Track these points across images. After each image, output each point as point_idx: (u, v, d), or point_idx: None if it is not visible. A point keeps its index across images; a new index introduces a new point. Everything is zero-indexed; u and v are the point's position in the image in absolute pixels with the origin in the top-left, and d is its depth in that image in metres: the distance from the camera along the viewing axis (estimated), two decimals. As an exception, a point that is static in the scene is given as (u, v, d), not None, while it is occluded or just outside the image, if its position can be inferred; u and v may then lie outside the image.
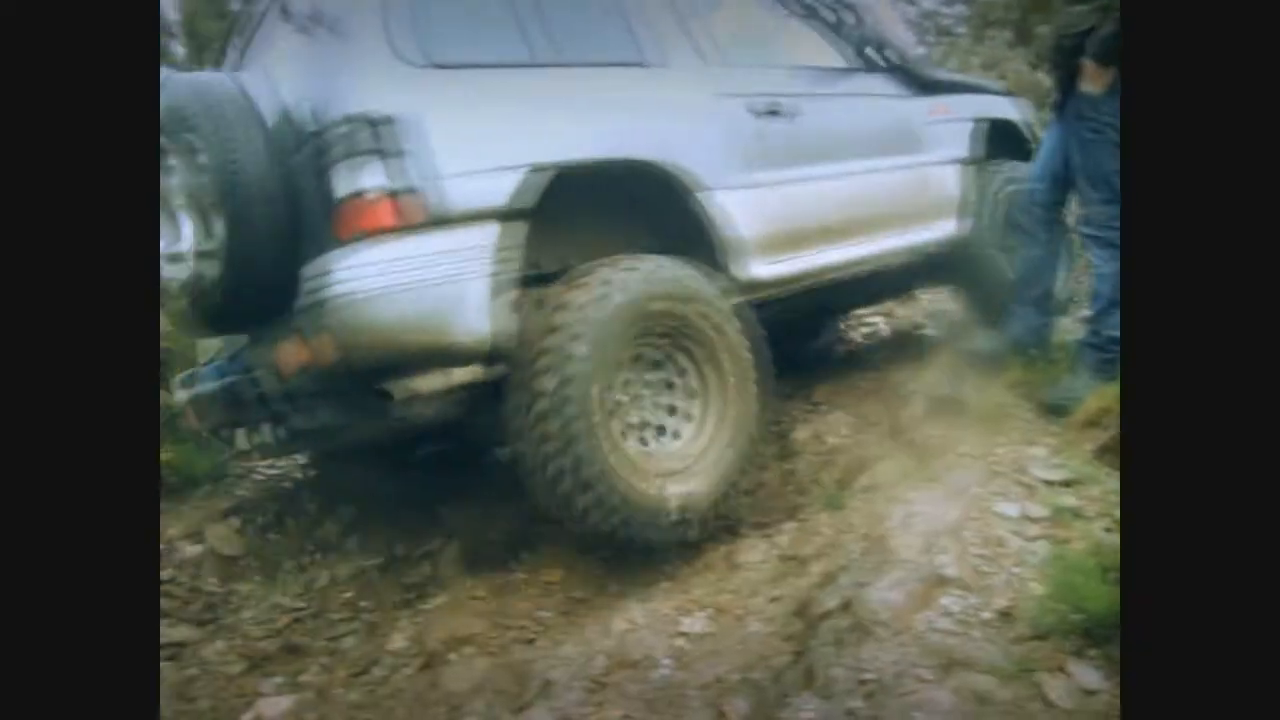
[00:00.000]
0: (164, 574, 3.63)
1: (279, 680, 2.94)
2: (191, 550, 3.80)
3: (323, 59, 2.80)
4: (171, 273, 2.86)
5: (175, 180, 2.80)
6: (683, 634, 2.57)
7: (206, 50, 9.71)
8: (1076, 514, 2.44)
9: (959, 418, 3.21)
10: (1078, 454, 2.74)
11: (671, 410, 3.03)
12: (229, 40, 3.65)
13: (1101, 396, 2.91)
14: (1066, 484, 2.60)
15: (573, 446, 2.68)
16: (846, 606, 2.27)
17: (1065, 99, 3.30)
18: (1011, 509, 2.53)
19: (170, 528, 3.95)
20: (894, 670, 1.99)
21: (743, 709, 2.18)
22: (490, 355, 2.74)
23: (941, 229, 3.89)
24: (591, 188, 2.92)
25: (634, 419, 2.93)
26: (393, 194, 2.60)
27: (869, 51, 3.89)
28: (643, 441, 2.94)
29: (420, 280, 2.61)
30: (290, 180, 2.75)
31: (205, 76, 2.94)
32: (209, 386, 3.25)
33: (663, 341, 2.97)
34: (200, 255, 2.79)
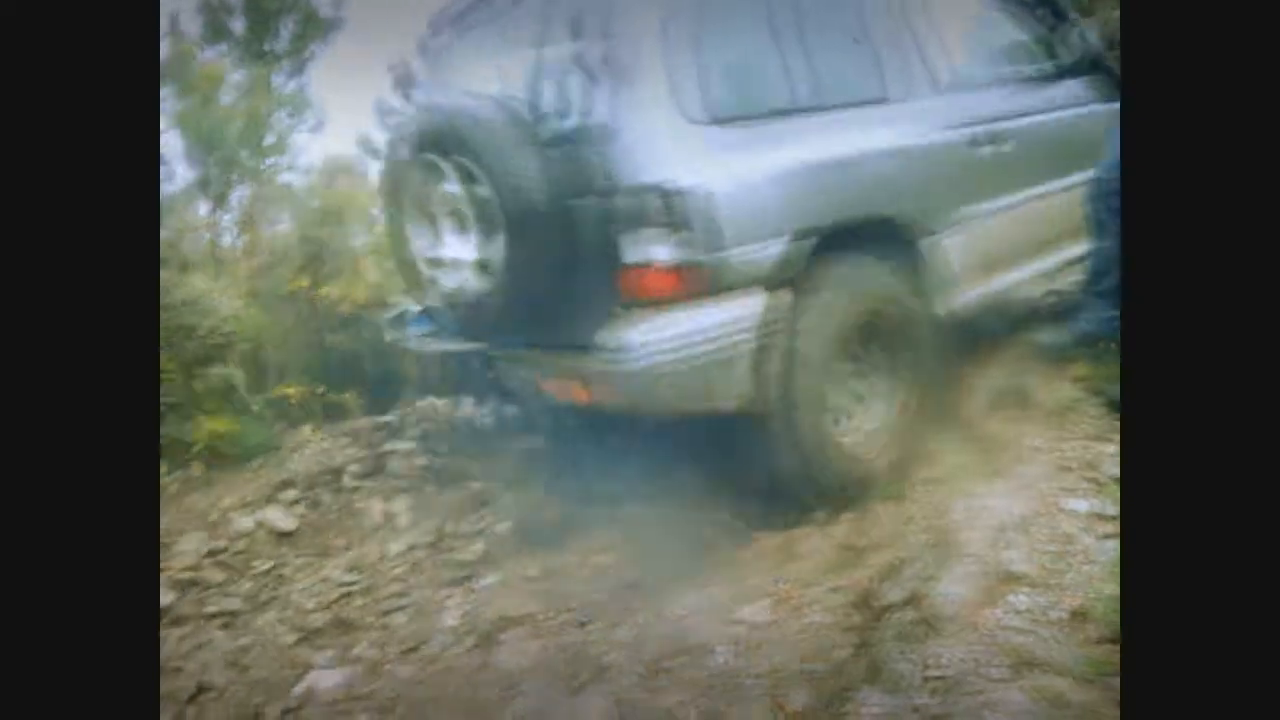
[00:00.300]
0: (218, 544, 3.67)
1: (330, 653, 2.95)
2: (244, 522, 3.83)
3: (608, 105, 2.83)
4: (432, 275, 3.16)
5: (442, 192, 3.00)
6: (739, 622, 2.54)
7: (267, 30, 9.88)
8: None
9: (1025, 411, 3.14)
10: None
11: (859, 397, 3.25)
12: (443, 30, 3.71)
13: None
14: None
15: (808, 429, 2.95)
16: (911, 600, 2.22)
17: None
18: (1081, 505, 2.46)
19: (224, 499, 3.99)
20: (962, 667, 1.94)
21: (801, 700, 2.14)
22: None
23: None
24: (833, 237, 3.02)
25: (830, 402, 3.11)
26: (679, 268, 2.72)
27: (1077, 52, 3.81)
28: (835, 422, 3.14)
29: (699, 355, 2.78)
30: (572, 221, 2.85)
31: (477, 102, 3.00)
32: (440, 343, 3.44)
33: (862, 336, 3.17)
34: (474, 266, 3.00)
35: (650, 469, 3.32)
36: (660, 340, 2.72)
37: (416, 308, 3.60)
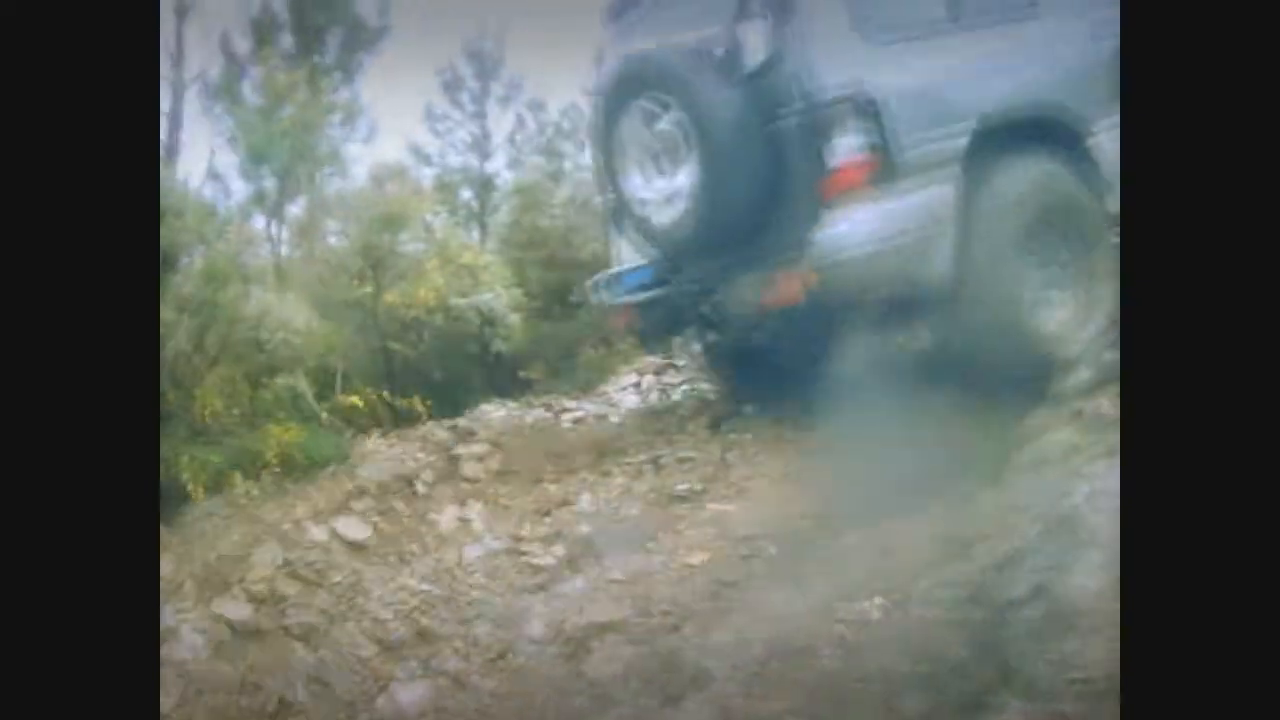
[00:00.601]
0: (292, 555, 3.60)
1: (412, 665, 2.85)
2: (317, 533, 3.76)
3: (795, 37, 3.27)
4: (644, 213, 3.55)
5: (656, 129, 3.41)
6: (842, 621, 2.38)
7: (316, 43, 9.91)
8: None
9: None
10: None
11: (1053, 287, 3.51)
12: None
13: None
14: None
15: (1002, 308, 3.31)
16: (1038, 594, 2.04)
17: None
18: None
19: (297, 508, 3.92)
20: (1108, 668, 1.75)
21: (919, 705, 1.97)
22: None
23: None
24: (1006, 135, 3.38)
25: (1025, 291, 3.41)
26: (871, 161, 3.18)
27: None
28: (1033, 310, 3.43)
29: (900, 237, 3.22)
30: (773, 142, 3.27)
31: (665, 44, 3.49)
32: (646, 294, 3.86)
33: (1050, 234, 3.49)
34: (666, 198, 3.43)
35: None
36: (867, 227, 3.17)
37: (624, 267, 4.08)
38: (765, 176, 3.28)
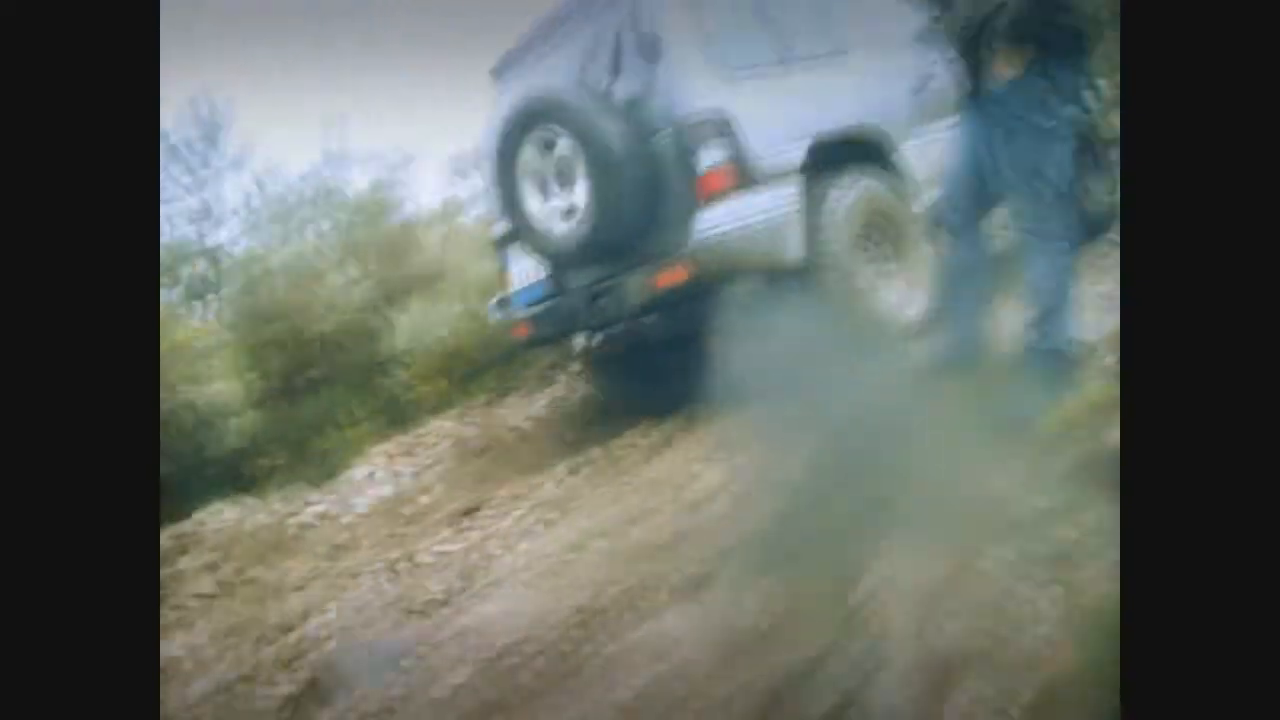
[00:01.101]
0: None
1: None
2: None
3: (662, 74, 4.08)
4: (546, 226, 4.16)
5: (554, 156, 4.09)
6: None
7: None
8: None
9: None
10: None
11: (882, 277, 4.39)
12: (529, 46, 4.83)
13: (1064, 407, 2.60)
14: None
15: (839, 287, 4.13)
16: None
17: (975, 91, 2.99)
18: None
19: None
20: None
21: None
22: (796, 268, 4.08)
23: None
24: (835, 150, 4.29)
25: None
26: (733, 167, 3.98)
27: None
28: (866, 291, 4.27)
29: (757, 224, 4.02)
30: (651, 158, 4.02)
31: (555, 85, 4.27)
32: (536, 308, 4.59)
33: (876, 236, 4.40)
34: (563, 214, 4.10)
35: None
36: (730, 214, 3.96)
37: (517, 288, 4.76)
38: (646, 187, 4.01)
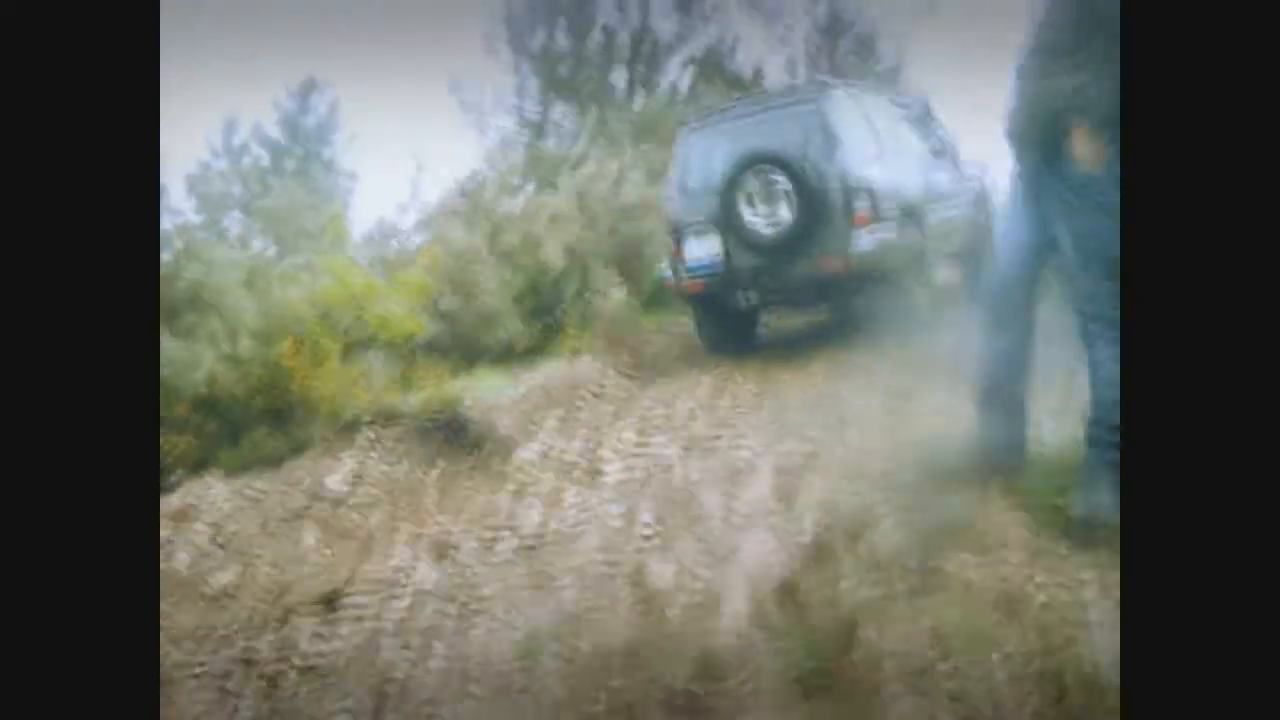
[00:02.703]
0: None
1: None
2: None
3: (837, 153, 6.33)
4: (754, 226, 6.27)
5: (746, 185, 6.27)
6: None
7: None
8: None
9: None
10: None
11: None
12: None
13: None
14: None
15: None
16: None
17: (1044, 169, 2.90)
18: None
19: None
20: None
21: None
22: None
23: None
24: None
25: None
26: (869, 214, 6.17)
27: None
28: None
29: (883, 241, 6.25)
30: (827, 198, 6.12)
31: (777, 144, 6.34)
32: (714, 272, 6.54)
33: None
34: (768, 222, 6.22)
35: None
36: (869, 238, 6.16)
37: (690, 260, 6.68)
38: (822, 215, 6.14)
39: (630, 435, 5.17)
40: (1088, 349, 2.79)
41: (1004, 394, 3.03)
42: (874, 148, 6.57)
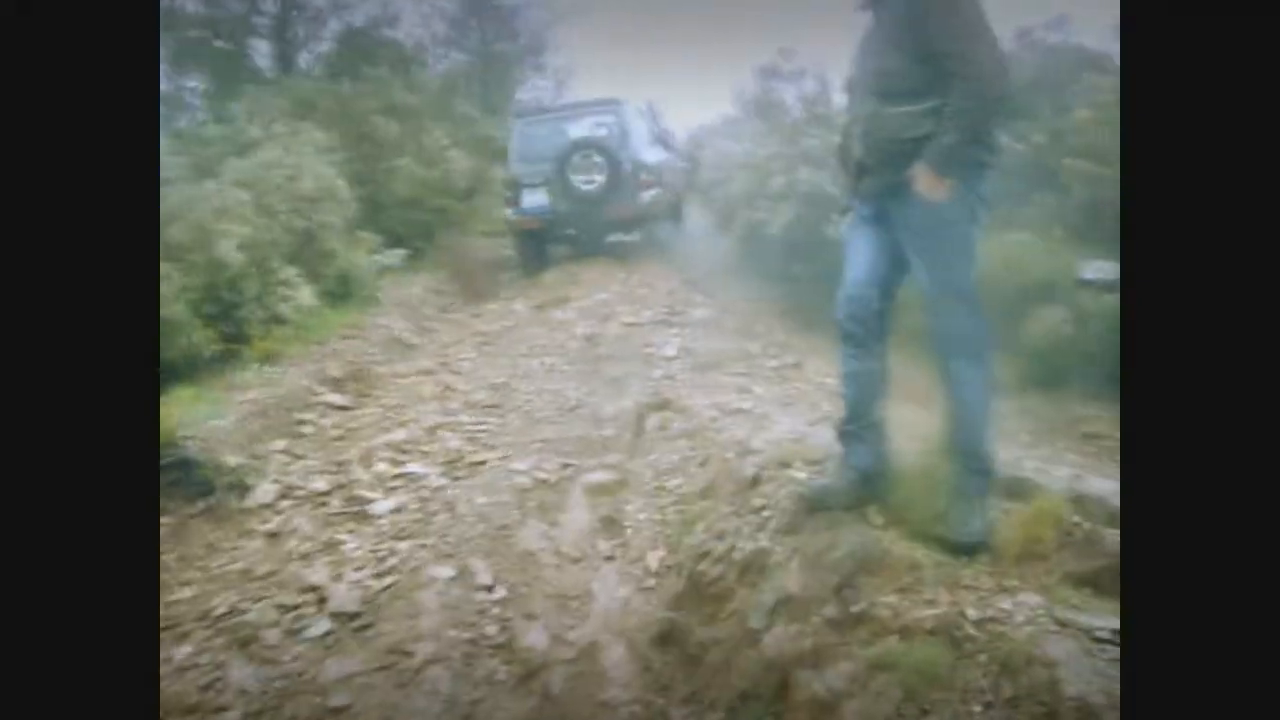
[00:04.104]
0: None
1: None
2: None
3: (632, 142, 10.18)
4: (578, 187, 9.67)
5: (574, 161, 9.78)
6: None
7: None
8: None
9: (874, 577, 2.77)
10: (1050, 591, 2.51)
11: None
12: None
13: (1026, 524, 2.72)
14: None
15: None
16: None
17: (891, 202, 3.02)
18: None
19: None
20: None
21: None
22: None
23: None
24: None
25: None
26: (652, 179, 10.15)
27: None
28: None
29: (656, 197, 10.44)
30: (628, 170, 9.84)
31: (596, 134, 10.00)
32: (545, 215, 9.93)
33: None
34: (586, 184, 9.73)
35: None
36: (650, 194, 9.86)
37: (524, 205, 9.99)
38: (623, 181, 9.46)
39: (382, 465, 4.73)
40: (947, 373, 2.94)
41: (865, 420, 3.11)
42: (647, 139, 10.48)
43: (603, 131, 9.77)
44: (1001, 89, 2.95)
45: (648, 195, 9.66)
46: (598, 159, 9.54)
